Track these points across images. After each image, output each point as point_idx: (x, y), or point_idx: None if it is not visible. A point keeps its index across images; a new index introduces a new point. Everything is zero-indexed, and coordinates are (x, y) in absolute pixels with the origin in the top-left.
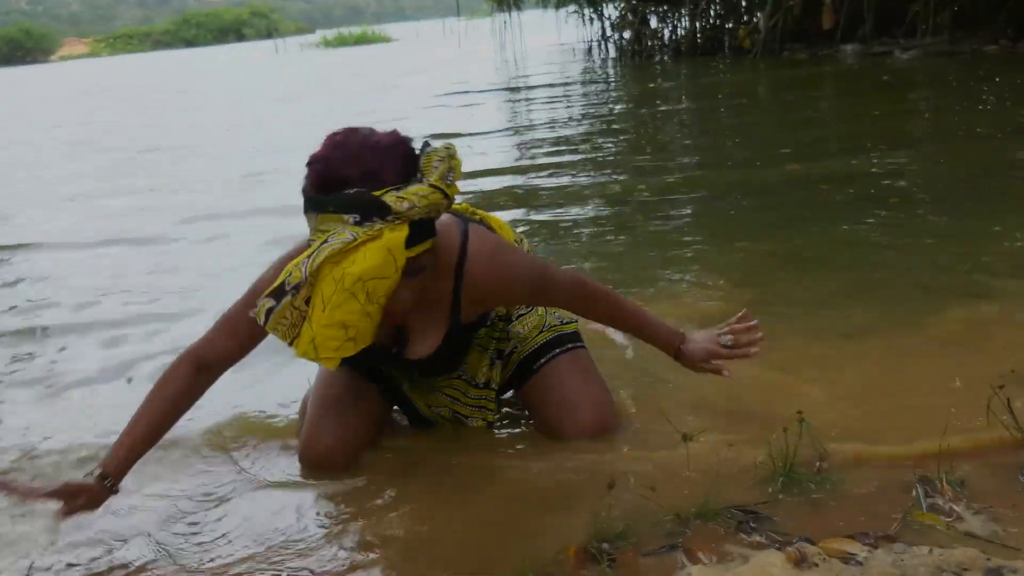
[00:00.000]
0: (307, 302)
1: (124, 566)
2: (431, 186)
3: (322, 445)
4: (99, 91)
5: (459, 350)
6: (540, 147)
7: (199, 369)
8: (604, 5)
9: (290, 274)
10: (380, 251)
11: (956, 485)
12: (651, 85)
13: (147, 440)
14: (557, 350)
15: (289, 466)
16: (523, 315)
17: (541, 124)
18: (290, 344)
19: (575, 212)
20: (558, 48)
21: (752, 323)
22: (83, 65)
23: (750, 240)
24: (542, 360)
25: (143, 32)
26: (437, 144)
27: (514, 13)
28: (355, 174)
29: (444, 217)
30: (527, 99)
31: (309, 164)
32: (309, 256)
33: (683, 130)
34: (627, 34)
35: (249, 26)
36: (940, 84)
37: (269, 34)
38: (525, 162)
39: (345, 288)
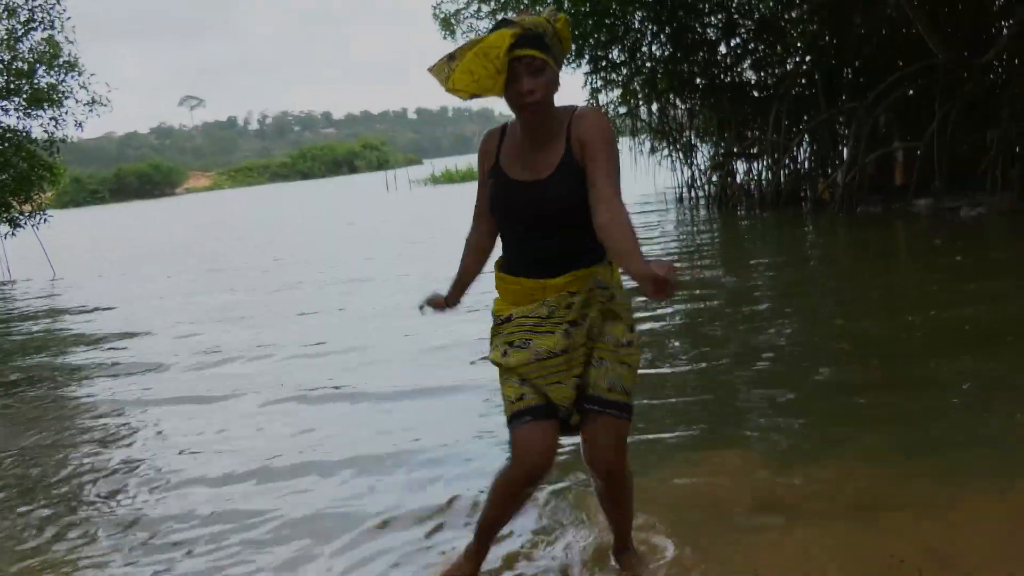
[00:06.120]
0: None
1: None
2: (544, 19)
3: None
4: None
5: (571, 180)
6: None
7: (478, 224)
8: (694, 153)
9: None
10: (497, 35)
11: None
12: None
13: (467, 276)
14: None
15: None
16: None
17: None
18: (445, 84)
19: None
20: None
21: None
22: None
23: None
24: (597, 408)
25: (262, 165)
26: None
27: None
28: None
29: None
30: None
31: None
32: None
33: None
34: (715, 179)
35: (361, 158)
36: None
37: (380, 165)
38: None
39: (474, 52)
